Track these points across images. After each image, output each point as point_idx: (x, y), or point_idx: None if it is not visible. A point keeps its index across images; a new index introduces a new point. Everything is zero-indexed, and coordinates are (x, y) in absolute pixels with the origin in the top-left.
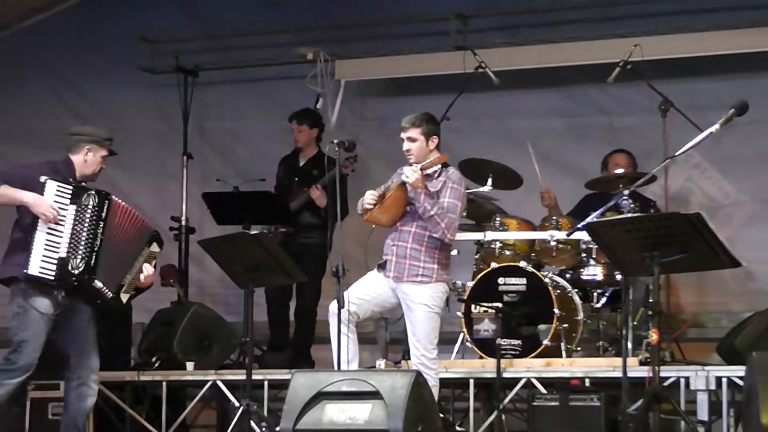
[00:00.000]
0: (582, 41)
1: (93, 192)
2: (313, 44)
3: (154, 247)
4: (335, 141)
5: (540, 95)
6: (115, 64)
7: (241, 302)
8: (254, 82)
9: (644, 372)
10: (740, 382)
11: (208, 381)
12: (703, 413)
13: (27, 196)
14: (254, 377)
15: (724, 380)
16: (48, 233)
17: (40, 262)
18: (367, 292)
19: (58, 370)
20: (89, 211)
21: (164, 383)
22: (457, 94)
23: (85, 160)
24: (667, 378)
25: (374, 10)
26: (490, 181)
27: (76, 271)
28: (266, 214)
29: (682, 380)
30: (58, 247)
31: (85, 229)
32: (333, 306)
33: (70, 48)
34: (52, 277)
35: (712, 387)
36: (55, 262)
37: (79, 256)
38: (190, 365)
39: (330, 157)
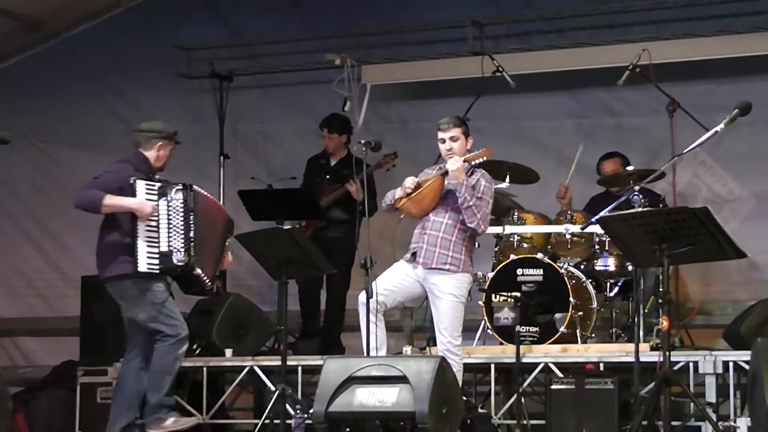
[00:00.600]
0: (591, 47)
1: (179, 185)
2: (339, 51)
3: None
4: (362, 141)
5: (552, 98)
6: (155, 71)
7: (274, 293)
8: (284, 86)
9: (655, 357)
10: (746, 366)
11: (245, 367)
12: (711, 395)
13: (132, 203)
14: (288, 363)
15: (731, 364)
16: (147, 230)
17: (146, 259)
18: (394, 283)
19: (107, 355)
20: (179, 203)
21: (204, 369)
22: (475, 97)
23: (158, 155)
24: (677, 363)
25: (396, 18)
26: (507, 178)
27: (180, 263)
28: (298, 210)
29: (691, 365)
30: (157, 242)
31: (180, 221)
32: (362, 296)
33: (113, 55)
34: (158, 271)
35: (720, 371)
36: (158, 256)
37: (179, 248)
38: (228, 352)
39: (358, 158)
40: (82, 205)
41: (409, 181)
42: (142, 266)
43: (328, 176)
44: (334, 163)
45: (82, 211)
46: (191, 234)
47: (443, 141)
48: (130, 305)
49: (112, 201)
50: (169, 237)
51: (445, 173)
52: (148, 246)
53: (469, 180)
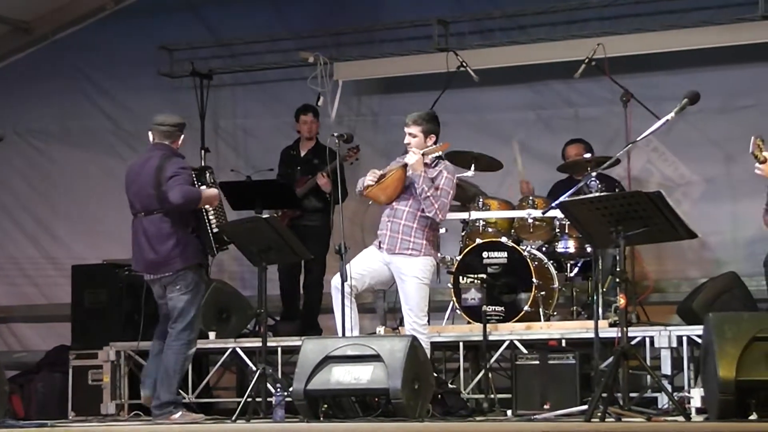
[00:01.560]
0: (550, 42)
1: (208, 168)
2: (313, 49)
3: None
4: (335, 134)
5: (514, 91)
6: (139, 71)
7: (255, 278)
8: (262, 83)
9: (613, 333)
10: (698, 340)
11: (228, 348)
12: (666, 368)
13: (212, 193)
14: (269, 344)
15: (684, 338)
16: (211, 216)
17: (213, 243)
18: (365, 267)
19: (98, 340)
20: (215, 185)
21: None
22: (441, 91)
23: (179, 145)
24: (634, 338)
25: (366, 17)
26: (473, 168)
27: (228, 239)
28: (276, 200)
29: (647, 339)
30: (211, 225)
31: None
32: (335, 280)
33: (99, 57)
34: (216, 251)
35: (674, 345)
36: (213, 239)
37: (222, 226)
38: (212, 334)
39: (330, 148)
40: (187, 202)
41: (370, 175)
42: (213, 250)
43: (299, 167)
44: (303, 154)
45: (72, 204)
46: (221, 209)
47: (406, 134)
48: (189, 294)
49: (203, 194)
50: (217, 218)
51: (406, 165)
52: (210, 230)
53: (430, 171)
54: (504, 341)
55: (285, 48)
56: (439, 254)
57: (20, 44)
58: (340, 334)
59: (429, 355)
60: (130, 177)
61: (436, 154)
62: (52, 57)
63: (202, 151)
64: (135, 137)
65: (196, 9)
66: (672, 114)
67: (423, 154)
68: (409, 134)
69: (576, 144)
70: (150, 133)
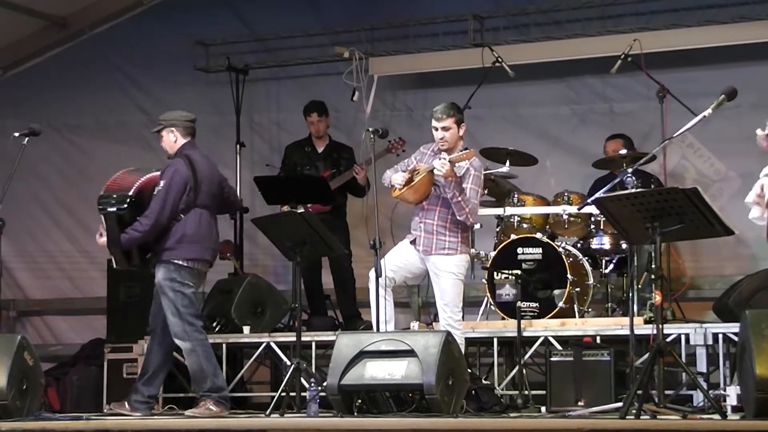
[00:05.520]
0: (585, 37)
1: None
2: (348, 44)
3: None
4: (370, 129)
5: (548, 86)
6: (175, 65)
7: (288, 272)
8: (297, 78)
9: (648, 330)
10: (734, 337)
11: (262, 342)
12: (702, 365)
13: None
14: (303, 339)
15: (720, 336)
16: None
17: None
18: (401, 260)
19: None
20: None
21: (224, 345)
22: (476, 86)
23: None
24: (669, 335)
25: (402, 12)
26: (508, 163)
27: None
28: (310, 194)
29: (683, 336)
30: None
31: None
32: (372, 274)
33: (135, 51)
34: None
35: (710, 342)
36: None
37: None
38: (246, 329)
39: (340, 143)
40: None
41: (399, 178)
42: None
43: (318, 162)
44: (321, 149)
45: None
46: None
47: (436, 129)
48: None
49: None
50: None
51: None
52: None
53: (457, 168)
54: (538, 337)
55: (320, 43)
56: (472, 250)
57: (57, 39)
58: (375, 329)
59: (463, 351)
60: (207, 171)
61: (462, 162)
62: (89, 52)
63: (238, 146)
64: None
65: (232, 4)
66: (709, 110)
67: (451, 163)
68: (442, 128)
69: (615, 140)
70: (176, 130)
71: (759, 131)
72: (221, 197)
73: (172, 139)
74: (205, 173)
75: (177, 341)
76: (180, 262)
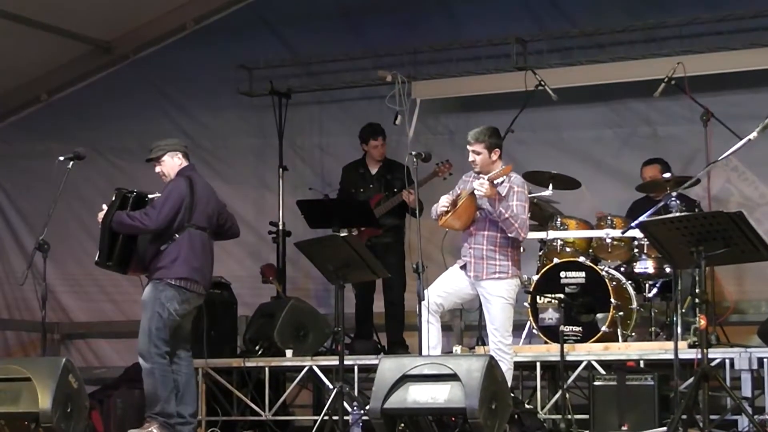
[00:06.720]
0: (629, 60)
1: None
2: (390, 68)
3: None
4: (413, 153)
5: (591, 109)
6: (218, 89)
7: (330, 296)
8: (339, 102)
9: (692, 354)
10: None
11: (305, 366)
12: (747, 390)
13: None
14: (345, 362)
15: (765, 360)
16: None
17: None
18: (451, 285)
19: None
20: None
21: (267, 368)
22: (519, 110)
23: None
24: (714, 359)
25: (444, 36)
26: (551, 186)
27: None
28: (353, 218)
29: (727, 361)
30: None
31: None
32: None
33: (179, 76)
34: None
35: (755, 366)
36: None
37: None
38: (289, 352)
39: (397, 162)
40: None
41: (443, 202)
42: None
43: (371, 185)
44: (375, 171)
45: None
46: None
47: (470, 152)
48: None
49: None
50: None
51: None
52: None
53: (499, 189)
54: (581, 361)
55: (363, 66)
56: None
57: (101, 64)
58: (419, 352)
59: (511, 377)
60: (204, 193)
61: (500, 179)
62: (133, 76)
63: (280, 170)
64: (214, 155)
65: (275, 28)
66: (754, 133)
67: (490, 180)
68: (473, 152)
69: (653, 165)
70: (179, 154)
71: None
72: (217, 222)
73: (177, 163)
74: (202, 194)
75: (139, 359)
76: (170, 281)
